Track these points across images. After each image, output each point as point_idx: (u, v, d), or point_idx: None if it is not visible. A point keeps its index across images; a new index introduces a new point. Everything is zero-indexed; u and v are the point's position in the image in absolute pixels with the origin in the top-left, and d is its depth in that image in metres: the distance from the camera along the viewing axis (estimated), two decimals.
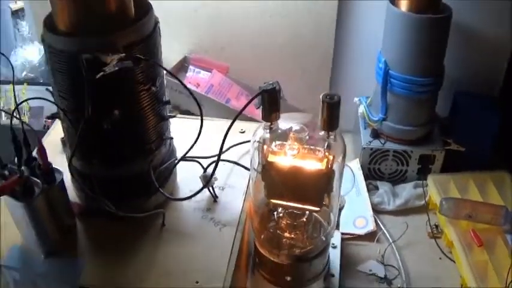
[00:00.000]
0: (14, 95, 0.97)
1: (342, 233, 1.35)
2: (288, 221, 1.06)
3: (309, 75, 1.66)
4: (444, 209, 1.36)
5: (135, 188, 1.01)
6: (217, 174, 1.07)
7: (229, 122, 1.18)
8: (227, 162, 1.15)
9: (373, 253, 1.33)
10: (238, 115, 0.94)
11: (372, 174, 1.56)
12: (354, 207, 1.42)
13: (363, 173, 1.52)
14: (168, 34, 1.70)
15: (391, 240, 1.35)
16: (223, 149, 1.01)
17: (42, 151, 0.93)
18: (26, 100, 0.95)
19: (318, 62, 1.63)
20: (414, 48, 1.42)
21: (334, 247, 1.21)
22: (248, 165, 1.12)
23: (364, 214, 1.40)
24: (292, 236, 1.07)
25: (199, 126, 0.99)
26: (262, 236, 1.07)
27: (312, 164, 0.92)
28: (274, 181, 0.96)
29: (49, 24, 0.89)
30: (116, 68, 0.79)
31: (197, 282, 0.91)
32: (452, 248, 1.34)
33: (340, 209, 1.25)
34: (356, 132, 1.64)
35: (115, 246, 1.00)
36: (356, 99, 1.60)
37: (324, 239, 1.07)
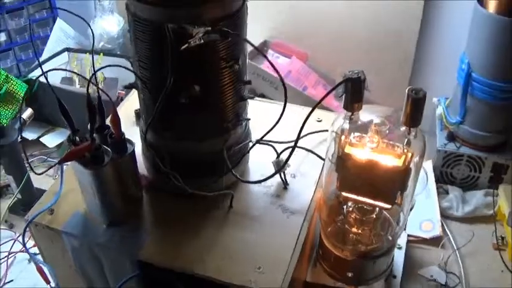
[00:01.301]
0: (93, 61, 0.96)
1: (408, 235, 1.31)
2: (357, 216, 1.03)
3: (388, 71, 1.62)
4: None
5: (207, 166, 1.00)
6: (290, 161, 1.05)
7: (306, 108, 1.16)
8: (300, 150, 1.11)
9: (436, 258, 1.28)
10: (320, 101, 0.91)
11: (444, 178, 1.50)
12: (422, 210, 1.38)
13: (435, 176, 1.47)
14: (249, 16, 1.70)
15: (455, 247, 1.30)
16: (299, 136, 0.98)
17: (116, 119, 0.92)
18: (104, 67, 0.94)
19: (399, 59, 1.58)
20: (499, 52, 1.36)
21: (400, 248, 1.17)
22: (323, 155, 1.08)
23: (431, 218, 1.36)
24: (360, 231, 1.03)
25: (282, 110, 0.94)
26: (329, 229, 1.04)
27: (390, 160, 0.88)
28: (348, 173, 0.92)
29: None
30: (202, 41, 0.77)
31: (259, 268, 0.89)
32: None
33: (411, 209, 1.21)
34: (432, 133, 1.59)
35: (179, 224, 0.99)
36: (435, 99, 1.55)
37: (390, 238, 1.03)
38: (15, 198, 1.41)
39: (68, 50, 1.75)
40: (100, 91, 0.92)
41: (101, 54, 1.71)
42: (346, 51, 1.64)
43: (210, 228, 0.97)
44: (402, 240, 1.19)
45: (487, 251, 1.34)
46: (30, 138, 1.67)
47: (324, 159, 1.04)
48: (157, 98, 0.89)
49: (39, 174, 0.94)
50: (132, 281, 0.98)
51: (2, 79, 1.53)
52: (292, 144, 1.05)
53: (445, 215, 1.40)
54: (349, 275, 1.05)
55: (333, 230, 1.04)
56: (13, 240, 1.21)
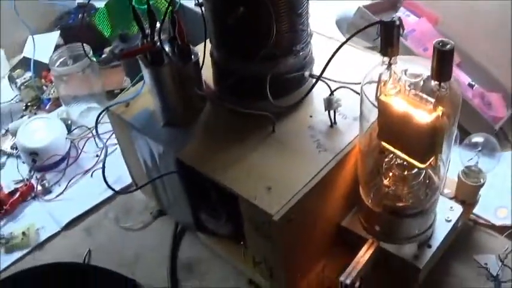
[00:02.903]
0: None
1: (477, 216, 1.24)
2: (394, 170, 1.02)
3: None
4: None
5: (255, 88, 1.05)
6: (349, 103, 1.06)
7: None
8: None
9: (500, 248, 1.19)
10: (348, 40, 0.92)
11: None
12: (503, 195, 1.28)
13: None
14: None
15: None
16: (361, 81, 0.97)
17: (179, 29, 1.02)
18: None
19: None
20: None
21: (448, 221, 1.11)
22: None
23: (509, 205, 1.26)
24: (393, 186, 1.02)
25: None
26: (365, 177, 1.04)
27: (419, 114, 0.86)
28: (386, 122, 0.91)
29: None
30: None
31: (269, 189, 0.94)
32: None
33: (480, 186, 1.16)
34: None
35: (223, 136, 1.07)
36: None
37: (424, 201, 1.01)
38: None
39: None
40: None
41: None
42: (479, 23, 1.54)
43: (246, 145, 1.04)
44: (454, 214, 1.13)
45: None
46: None
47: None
48: (212, 16, 0.98)
49: None
50: (174, 177, 1.09)
51: None
52: (349, 85, 1.07)
53: None
54: (377, 228, 1.05)
55: (368, 180, 1.04)
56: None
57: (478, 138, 1.14)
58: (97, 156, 1.51)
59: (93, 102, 1.64)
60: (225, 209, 1.09)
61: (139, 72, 1.11)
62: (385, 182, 1.03)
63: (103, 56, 1.81)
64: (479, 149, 1.13)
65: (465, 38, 1.57)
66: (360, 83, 1.06)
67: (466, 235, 1.23)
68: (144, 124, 1.11)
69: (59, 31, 1.94)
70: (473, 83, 1.51)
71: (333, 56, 0.96)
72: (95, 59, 1.54)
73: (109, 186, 1.06)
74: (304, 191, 0.94)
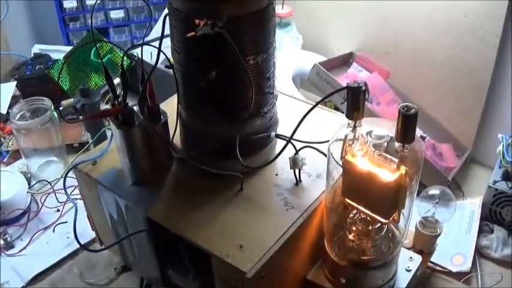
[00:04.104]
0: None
1: (434, 264, 1.30)
2: (358, 226, 1.06)
3: (463, 100, 1.59)
4: None
5: (222, 148, 1.09)
6: (312, 161, 1.11)
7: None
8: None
9: None
10: (319, 102, 0.97)
11: (492, 217, 1.45)
12: (458, 243, 1.35)
13: (483, 213, 1.43)
14: (339, 27, 1.78)
15: (479, 287, 1.27)
16: (327, 140, 1.02)
17: (150, 91, 1.05)
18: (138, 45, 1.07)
19: (474, 88, 1.55)
20: None
21: (409, 270, 1.17)
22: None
23: (465, 252, 1.33)
24: (357, 240, 1.07)
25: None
26: (330, 232, 1.09)
27: (383, 174, 0.91)
28: (350, 181, 0.96)
29: None
30: (200, 33, 0.87)
31: (241, 247, 0.96)
32: None
33: (437, 236, 1.21)
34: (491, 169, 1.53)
35: (192, 195, 1.09)
36: (500, 135, 1.49)
37: (386, 254, 1.05)
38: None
39: None
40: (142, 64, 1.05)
41: None
42: (425, 74, 1.63)
43: (216, 204, 1.06)
44: (414, 264, 1.18)
45: None
46: None
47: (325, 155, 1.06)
48: (183, 79, 1.01)
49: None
50: (142, 235, 1.11)
51: (107, 49, 1.74)
52: (313, 144, 1.12)
53: (482, 254, 1.35)
54: (342, 281, 1.09)
55: (333, 233, 1.09)
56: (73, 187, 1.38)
57: (434, 191, 1.20)
58: (58, 210, 1.51)
59: (52, 156, 1.64)
60: (194, 266, 1.11)
61: (99, 127, 1.13)
62: (350, 236, 1.07)
63: (60, 108, 1.81)
64: (436, 201, 1.19)
65: (415, 90, 1.66)
66: (321, 142, 1.12)
67: (424, 283, 1.28)
68: (112, 182, 1.12)
69: (15, 82, 1.92)
70: (424, 135, 1.58)
71: (302, 119, 1.00)
72: (56, 115, 1.54)
73: (81, 246, 1.08)
74: (274, 248, 0.97)
